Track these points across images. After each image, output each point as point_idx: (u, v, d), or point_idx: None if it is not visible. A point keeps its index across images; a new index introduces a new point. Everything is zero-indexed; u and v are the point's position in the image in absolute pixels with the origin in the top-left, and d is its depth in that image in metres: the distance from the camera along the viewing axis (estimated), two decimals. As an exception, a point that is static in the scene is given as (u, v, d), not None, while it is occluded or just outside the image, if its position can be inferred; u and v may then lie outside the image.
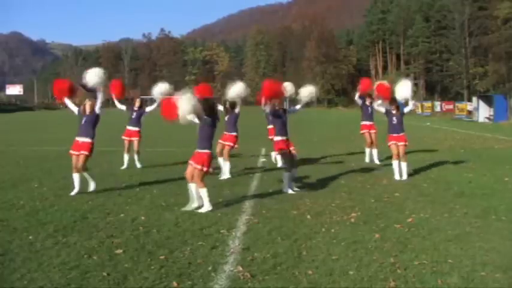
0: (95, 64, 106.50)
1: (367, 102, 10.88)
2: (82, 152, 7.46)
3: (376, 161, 10.79)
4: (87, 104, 7.63)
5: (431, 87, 71.23)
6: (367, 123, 11.02)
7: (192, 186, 6.33)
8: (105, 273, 4.01)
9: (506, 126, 25.74)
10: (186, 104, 6.10)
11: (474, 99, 34.68)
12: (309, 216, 5.88)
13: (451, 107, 40.11)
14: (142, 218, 5.88)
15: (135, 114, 10.52)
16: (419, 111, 45.33)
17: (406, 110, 9.02)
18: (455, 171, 9.42)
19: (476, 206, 6.41)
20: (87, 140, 7.52)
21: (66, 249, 4.65)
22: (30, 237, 5.07)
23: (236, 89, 8.36)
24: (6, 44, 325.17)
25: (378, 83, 9.79)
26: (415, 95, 63.50)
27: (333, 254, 4.48)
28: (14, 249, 4.68)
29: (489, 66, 54.77)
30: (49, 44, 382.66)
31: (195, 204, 6.30)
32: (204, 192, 6.22)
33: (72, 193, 7.29)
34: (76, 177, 7.41)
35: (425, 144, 15.20)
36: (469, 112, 35.13)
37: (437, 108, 42.44)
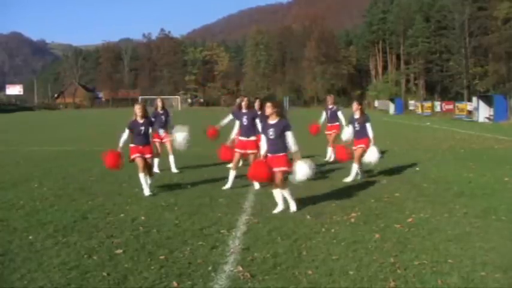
0: (95, 64, 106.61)
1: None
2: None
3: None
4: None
5: (431, 87, 71.33)
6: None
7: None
8: (105, 273, 4.01)
9: (506, 126, 25.71)
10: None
11: (474, 99, 34.62)
12: (308, 216, 5.87)
13: (451, 107, 40.04)
14: (142, 218, 5.88)
15: (163, 117, 9.71)
16: (419, 111, 45.35)
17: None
18: (455, 171, 9.42)
19: (476, 206, 6.41)
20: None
21: (66, 249, 4.65)
22: (30, 237, 5.07)
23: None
24: (6, 44, 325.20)
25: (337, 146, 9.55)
26: (415, 95, 62.94)
27: (333, 254, 4.48)
28: (14, 249, 4.68)
29: (489, 66, 54.91)
30: (49, 44, 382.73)
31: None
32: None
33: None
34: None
35: (425, 144, 15.21)
36: (469, 112, 35.08)
37: (437, 108, 42.37)
